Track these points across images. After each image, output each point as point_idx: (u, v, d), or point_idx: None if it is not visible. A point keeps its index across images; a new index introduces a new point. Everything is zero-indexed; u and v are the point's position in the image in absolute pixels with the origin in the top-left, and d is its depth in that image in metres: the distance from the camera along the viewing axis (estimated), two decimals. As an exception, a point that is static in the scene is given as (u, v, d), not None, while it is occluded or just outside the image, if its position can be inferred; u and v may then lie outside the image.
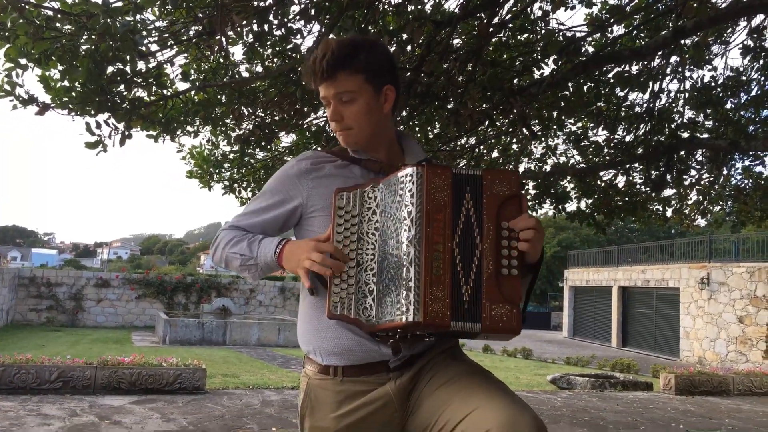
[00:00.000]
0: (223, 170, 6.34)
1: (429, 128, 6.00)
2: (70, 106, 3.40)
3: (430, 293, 1.43)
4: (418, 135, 6.10)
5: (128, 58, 3.11)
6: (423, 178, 1.49)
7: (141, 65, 3.68)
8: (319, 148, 5.58)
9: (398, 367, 1.64)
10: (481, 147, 7.20)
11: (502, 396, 1.52)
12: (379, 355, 1.63)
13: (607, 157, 7.16)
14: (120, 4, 3.05)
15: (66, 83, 3.37)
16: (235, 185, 6.53)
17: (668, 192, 7.88)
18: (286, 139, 6.09)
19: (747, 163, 7.91)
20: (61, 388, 7.05)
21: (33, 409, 6.18)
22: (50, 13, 3.11)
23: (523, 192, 1.59)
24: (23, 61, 3.07)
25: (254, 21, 3.67)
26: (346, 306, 1.56)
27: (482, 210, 1.52)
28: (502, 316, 1.46)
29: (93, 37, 3.04)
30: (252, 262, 1.68)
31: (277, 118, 4.80)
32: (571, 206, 7.49)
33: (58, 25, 3.12)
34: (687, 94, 6.87)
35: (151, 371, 7.45)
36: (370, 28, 4.16)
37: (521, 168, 7.59)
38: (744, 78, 6.93)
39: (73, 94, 3.37)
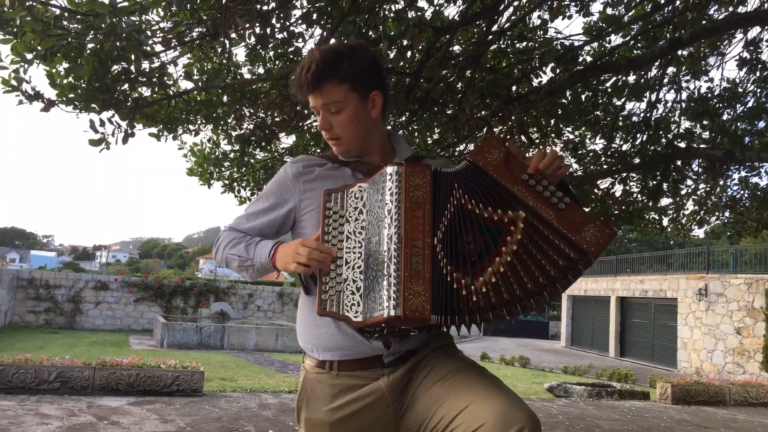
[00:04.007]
0: (223, 169, 6.39)
1: (428, 134, 6.07)
2: (75, 102, 3.47)
3: (410, 288, 1.47)
4: (417, 140, 6.16)
5: (133, 57, 3.17)
6: (402, 177, 1.54)
7: (145, 65, 3.75)
8: (318, 151, 5.64)
9: (392, 362, 1.68)
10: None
11: (497, 391, 1.54)
12: (373, 350, 1.67)
13: (604, 166, 7.22)
14: (126, 4, 3.11)
15: (71, 80, 3.44)
16: (235, 184, 6.57)
17: (665, 201, 7.93)
18: (286, 140, 6.16)
19: (744, 173, 7.98)
20: (59, 388, 7.06)
21: (31, 409, 6.19)
22: (57, 11, 3.18)
23: (508, 144, 1.62)
24: (29, 56, 3.13)
25: (257, 24, 3.73)
26: (335, 303, 1.60)
27: (502, 185, 1.56)
28: (595, 238, 1.52)
29: (99, 36, 3.10)
30: (249, 263, 1.74)
31: (277, 119, 4.87)
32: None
33: (65, 23, 3.19)
34: (683, 105, 6.94)
35: (149, 373, 7.46)
36: (370, 33, 4.23)
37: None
38: (740, 90, 7.01)
39: (79, 91, 3.44)
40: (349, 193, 1.65)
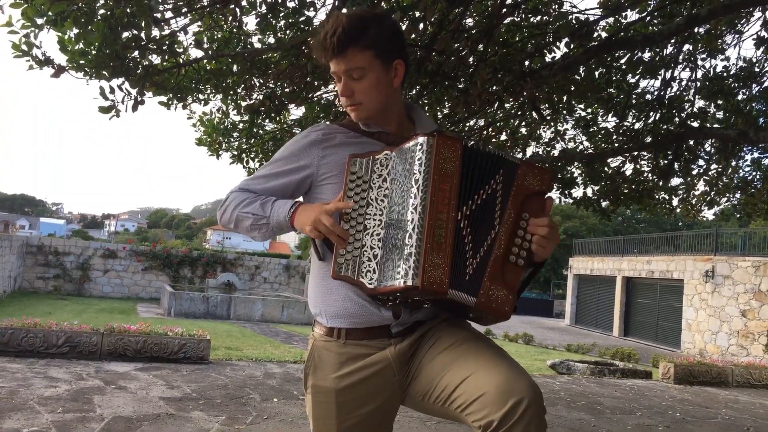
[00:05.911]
0: (231, 139, 6.37)
1: (438, 108, 6.02)
2: (85, 69, 3.46)
3: (430, 260, 1.47)
4: (427, 114, 6.11)
5: (143, 23, 3.15)
6: (433, 148, 1.53)
7: (155, 32, 3.73)
8: (327, 123, 5.61)
9: (400, 333, 1.69)
10: (490, 129, 7.20)
11: (501, 362, 1.55)
12: (381, 319, 1.68)
13: (616, 144, 7.16)
14: (136, -31, 3.09)
15: (81, 46, 3.42)
16: (243, 155, 6.56)
17: (675, 181, 7.89)
18: (296, 112, 6.13)
19: (756, 155, 7.91)
20: (68, 352, 7.17)
21: (40, 372, 6.29)
22: (68, -25, 3.15)
23: (550, 194, 1.67)
24: (40, 21, 3.11)
25: (268, -8, 3.69)
26: (351, 268, 1.60)
27: (509, 196, 1.61)
28: (497, 298, 1.55)
29: (109, 1, 3.08)
30: (264, 222, 1.73)
31: (287, 89, 4.84)
32: (577, 192, 7.52)
33: (75, -13, 3.17)
34: (698, 83, 6.85)
35: (157, 340, 7.56)
36: (383, 3, 4.17)
37: (529, 152, 7.60)
38: (757, 69, 6.90)
39: (89, 57, 3.42)
40: (375, 159, 1.65)
